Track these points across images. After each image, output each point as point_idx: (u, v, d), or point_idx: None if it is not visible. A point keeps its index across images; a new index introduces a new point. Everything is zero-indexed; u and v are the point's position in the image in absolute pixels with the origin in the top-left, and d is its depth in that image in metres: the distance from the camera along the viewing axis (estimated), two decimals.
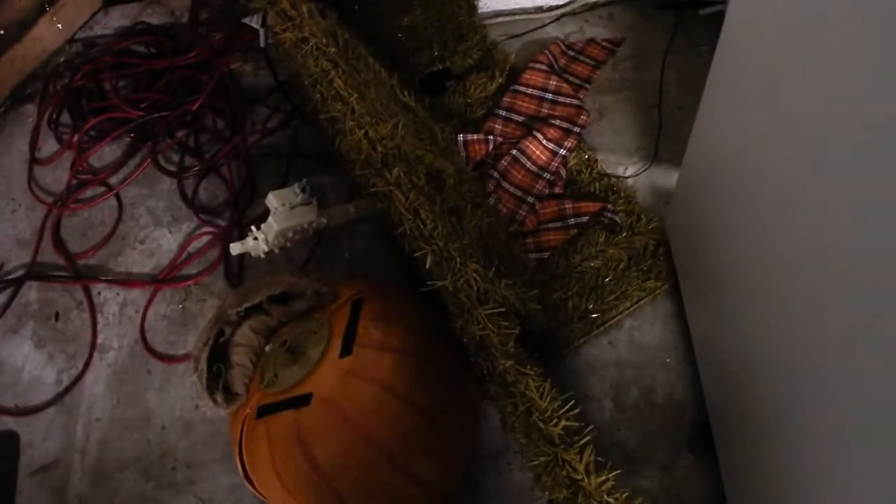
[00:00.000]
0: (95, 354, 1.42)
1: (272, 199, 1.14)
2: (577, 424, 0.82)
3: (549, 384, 0.85)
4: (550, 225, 1.41)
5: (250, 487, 1.08)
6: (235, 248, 1.14)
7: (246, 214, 1.51)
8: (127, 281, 1.47)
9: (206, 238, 1.49)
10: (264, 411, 1.03)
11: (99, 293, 1.48)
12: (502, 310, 0.89)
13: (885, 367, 0.68)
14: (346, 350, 1.02)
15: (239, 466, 1.07)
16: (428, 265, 0.92)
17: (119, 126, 1.64)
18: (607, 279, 1.36)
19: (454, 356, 1.07)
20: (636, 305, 1.35)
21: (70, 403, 1.39)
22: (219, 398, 1.06)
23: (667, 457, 1.24)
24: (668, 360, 1.31)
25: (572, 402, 0.83)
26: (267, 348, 1.09)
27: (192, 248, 1.49)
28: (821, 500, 0.90)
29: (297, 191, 1.16)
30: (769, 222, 0.93)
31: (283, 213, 1.14)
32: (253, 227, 1.15)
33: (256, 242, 1.14)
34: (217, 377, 1.07)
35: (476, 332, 0.88)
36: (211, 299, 1.44)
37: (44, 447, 1.37)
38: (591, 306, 1.35)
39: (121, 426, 1.36)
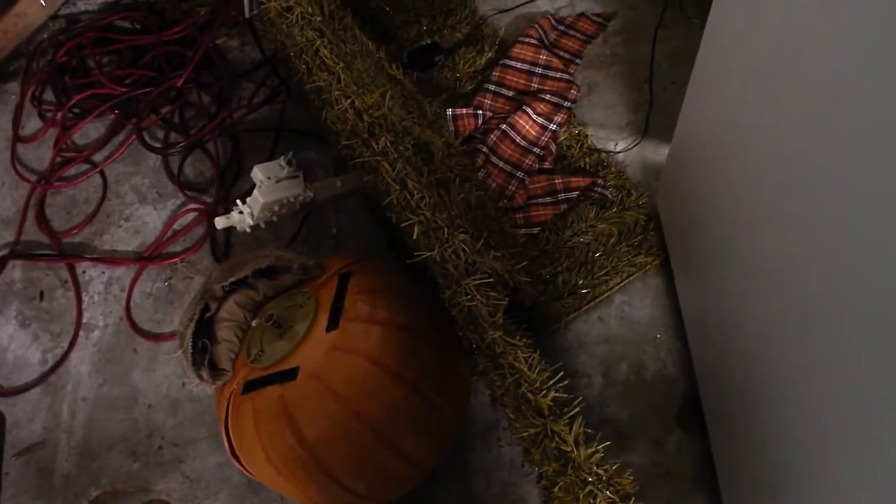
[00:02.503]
0: (81, 333, 1.40)
1: (257, 173, 1.12)
2: (566, 396, 0.81)
3: (538, 355, 0.84)
4: (540, 200, 1.39)
5: (237, 464, 1.07)
6: (220, 222, 1.12)
7: (232, 191, 1.49)
8: (112, 259, 1.45)
9: (191, 215, 1.47)
10: (250, 387, 1.02)
11: (84, 272, 1.46)
12: (490, 280, 0.87)
13: (874, 344, 0.68)
14: (333, 324, 1.01)
15: (226, 443, 1.06)
16: (415, 236, 0.90)
17: (103, 103, 1.61)
18: (597, 254, 1.35)
19: (443, 331, 1.06)
20: (626, 281, 1.34)
21: (56, 383, 1.38)
22: (204, 374, 1.05)
23: (657, 432, 1.24)
24: (659, 335, 1.30)
25: (561, 373, 0.83)
26: (253, 323, 1.07)
27: (177, 225, 1.47)
28: (810, 477, 0.90)
29: (283, 164, 1.14)
30: (758, 198, 0.92)
31: (268, 187, 1.12)
32: (238, 201, 1.13)
33: (242, 216, 1.12)
34: (202, 353, 1.06)
35: (464, 303, 0.87)
36: (197, 276, 1.42)
37: (29, 427, 1.35)
38: (580, 281, 1.33)
39: (107, 405, 1.34)
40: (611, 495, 0.76)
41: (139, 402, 1.34)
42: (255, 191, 1.12)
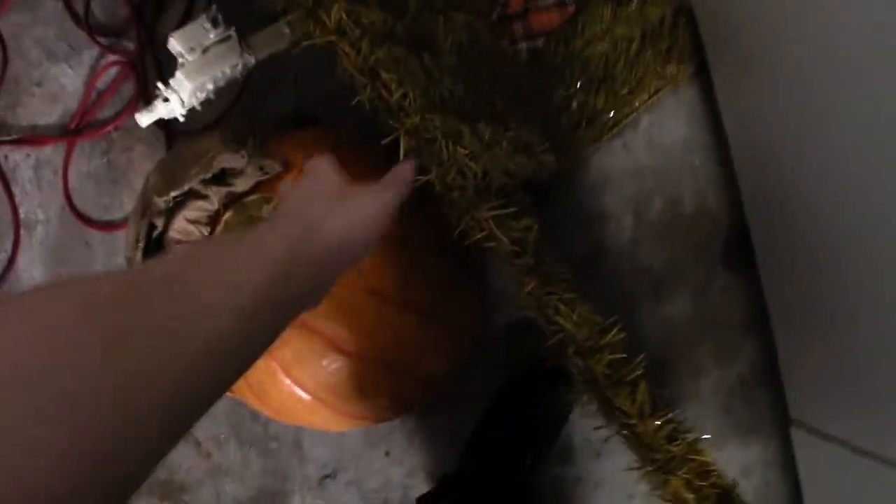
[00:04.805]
0: (22, 232, 1.20)
1: (175, 45, 0.85)
2: (625, 356, 0.64)
3: (588, 307, 0.65)
4: (541, 2, 1.11)
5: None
6: (144, 119, 0.87)
7: (157, 30, 1.19)
8: (34, 138, 1.20)
9: (114, 69, 1.19)
10: None
11: (6, 157, 1.22)
12: (513, 210, 0.66)
13: None
14: None
15: None
16: (403, 151, 0.67)
17: None
18: (618, 66, 1.10)
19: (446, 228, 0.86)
20: (655, 97, 1.10)
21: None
22: None
23: (699, 277, 1.09)
24: (696, 161, 1.10)
25: (619, 326, 0.65)
26: None
27: (100, 84, 1.20)
28: (880, 306, 0.78)
29: (207, 25, 0.86)
30: None
31: (193, 63, 0.85)
32: (161, 86, 0.87)
33: (168, 105, 0.87)
34: None
35: (482, 242, 0.67)
36: (139, 146, 1.19)
37: None
38: (600, 104, 1.10)
39: None
40: (685, 475, 0.63)
41: None
42: (178, 72, 0.85)
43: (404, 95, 0.66)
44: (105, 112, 1.19)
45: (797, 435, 0.98)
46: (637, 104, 1.10)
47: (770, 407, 1.06)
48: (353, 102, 0.69)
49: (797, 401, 0.98)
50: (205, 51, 0.86)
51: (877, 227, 0.76)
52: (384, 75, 0.66)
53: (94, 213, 1.19)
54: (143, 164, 1.18)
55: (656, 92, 1.10)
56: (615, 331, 0.64)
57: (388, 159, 0.71)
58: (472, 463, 1.04)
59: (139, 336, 0.34)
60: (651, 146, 1.10)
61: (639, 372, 0.64)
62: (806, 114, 0.85)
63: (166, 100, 0.86)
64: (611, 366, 0.63)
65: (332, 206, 0.55)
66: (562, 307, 0.64)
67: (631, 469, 0.66)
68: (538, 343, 1.09)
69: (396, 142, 0.70)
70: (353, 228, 0.54)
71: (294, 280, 0.46)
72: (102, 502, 0.31)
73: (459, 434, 1.08)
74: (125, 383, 0.33)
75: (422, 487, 1.11)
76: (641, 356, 0.64)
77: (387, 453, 1.12)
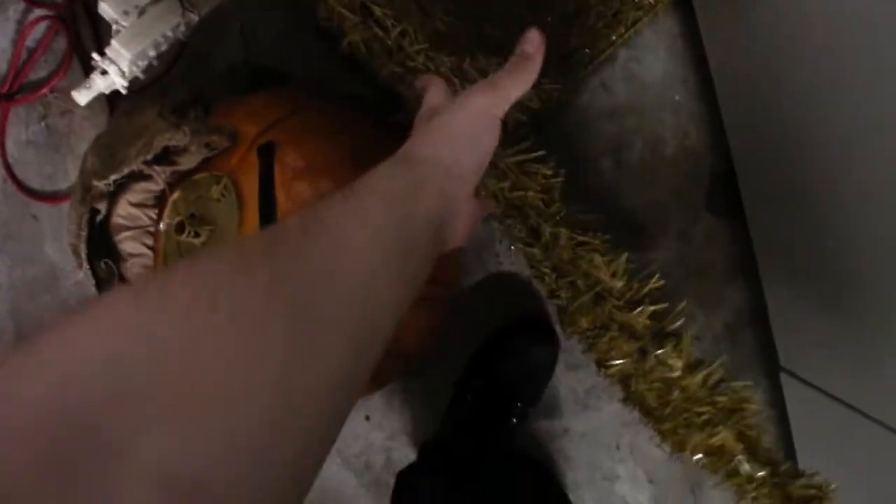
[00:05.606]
0: None
1: (107, 10, 0.76)
2: (664, 306, 0.60)
3: (624, 255, 0.61)
4: None
5: None
6: (83, 97, 0.79)
7: None
8: None
9: (43, 24, 1.09)
10: None
11: None
12: (541, 153, 0.61)
13: None
14: (268, 224, 0.74)
15: None
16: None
17: None
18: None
19: None
20: (632, 29, 1.02)
21: None
22: None
23: (682, 221, 1.04)
24: (677, 97, 1.04)
25: (656, 275, 0.61)
26: (161, 226, 0.81)
27: (30, 41, 1.09)
28: (872, 249, 0.75)
29: None
30: None
31: (130, 29, 0.76)
32: (96, 56, 0.78)
33: (108, 78, 0.78)
34: (109, 277, 0.81)
35: (505, 194, 0.62)
36: (79, 109, 1.09)
37: None
38: (574, 41, 1.02)
39: (27, 290, 1.12)
40: (735, 426, 0.60)
41: (61, 279, 1.11)
42: (114, 40, 0.77)
43: (402, 33, 0.58)
44: (38, 72, 1.10)
45: (787, 383, 0.96)
46: (614, 38, 1.02)
47: (757, 353, 1.03)
48: (344, 44, 0.61)
49: (787, 349, 0.96)
50: (141, 13, 0.77)
51: (872, 163, 0.71)
52: (377, 11, 0.58)
53: (38, 184, 1.11)
54: (84, 128, 1.09)
55: (634, 24, 1.01)
56: (654, 278, 0.60)
57: (362, 114, 0.64)
58: (455, 426, 1.01)
59: (296, 283, 0.33)
60: (630, 82, 1.03)
61: (681, 321, 0.60)
62: (796, 43, 0.78)
63: (104, 72, 0.78)
64: (652, 317, 0.59)
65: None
66: (597, 258, 0.59)
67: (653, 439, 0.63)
68: (516, 297, 1.05)
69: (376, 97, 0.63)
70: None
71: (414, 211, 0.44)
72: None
73: (440, 395, 1.05)
74: (297, 331, 0.31)
75: (404, 450, 1.09)
76: (683, 303, 0.60)
77: (367, 418, 1.09)
